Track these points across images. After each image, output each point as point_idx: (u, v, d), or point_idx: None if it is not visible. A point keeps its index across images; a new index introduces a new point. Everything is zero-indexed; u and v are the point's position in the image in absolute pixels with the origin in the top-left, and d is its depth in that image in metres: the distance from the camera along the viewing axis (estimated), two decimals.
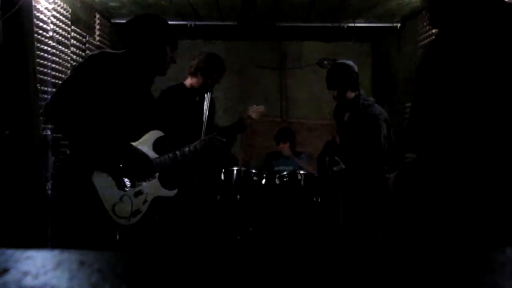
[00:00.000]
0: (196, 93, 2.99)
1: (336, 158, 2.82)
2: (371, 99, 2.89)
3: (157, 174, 2.09)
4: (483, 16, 1.26)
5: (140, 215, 1.98)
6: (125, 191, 1.93)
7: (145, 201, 2.02)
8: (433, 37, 1.50)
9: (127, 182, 1.95)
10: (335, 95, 2.88)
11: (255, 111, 2.89)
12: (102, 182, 1.85)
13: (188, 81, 3.02)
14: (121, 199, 1.90)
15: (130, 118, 1.98)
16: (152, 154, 2.07)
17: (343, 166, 2.78)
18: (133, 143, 1.99)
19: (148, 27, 2.01)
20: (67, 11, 3.31)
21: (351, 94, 2.84)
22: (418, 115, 1.27)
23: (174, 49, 2.09)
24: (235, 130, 2.94)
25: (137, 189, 1.97)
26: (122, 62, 1.94)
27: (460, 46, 1.22)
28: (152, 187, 2.05)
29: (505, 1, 1.33)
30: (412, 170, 1.33)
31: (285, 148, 4.29)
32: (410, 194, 1.31)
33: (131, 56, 1.98)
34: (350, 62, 2.91)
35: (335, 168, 2.83)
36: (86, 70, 1.85)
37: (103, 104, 1.85)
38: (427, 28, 3.64)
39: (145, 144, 2.06)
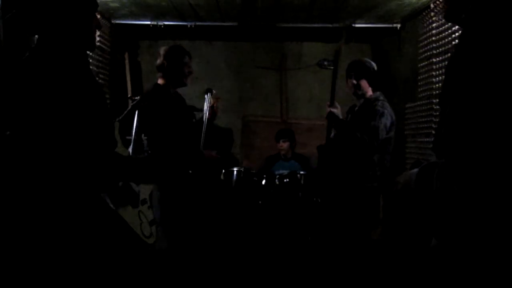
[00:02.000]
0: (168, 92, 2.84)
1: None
2: (384, 98, 2.96)
3: None
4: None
5: (155, 224, 1.82)
6: (138, 206, 1.75)
7: (149, 206, 1.88)
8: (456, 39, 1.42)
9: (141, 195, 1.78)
10: (351, 83, 2.97)
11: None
12: (121, 208, 1.60)
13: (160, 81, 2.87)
14: (140, 217, 1.71)
15: (99, 117, 1.62)
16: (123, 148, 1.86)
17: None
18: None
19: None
20: None
21: (365, 85, 2.92)
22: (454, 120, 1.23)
23: (94, 14, 1.67)
24: None
25: (141, 197, 1.80)
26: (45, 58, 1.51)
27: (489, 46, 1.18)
28: (144, 187, 1.88)
29: None
30: (438, 169, 1.27)
31: (284, 146, 4.31)
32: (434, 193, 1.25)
33: (52, 43, 1.54)
34: (369, 60, 3.07)
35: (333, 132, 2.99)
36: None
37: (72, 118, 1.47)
38: (427, 28, 3.65)
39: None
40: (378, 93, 2.98)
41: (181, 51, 2.85)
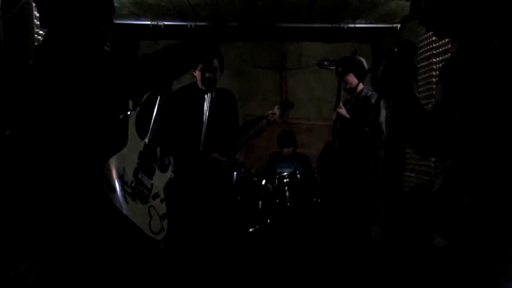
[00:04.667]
0: (200, 90, 2.89)
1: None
2: (372, 91, 3.12)
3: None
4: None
5: (166, 219, 1.79)
6: (148, 202, 1.71)
7: (162, 199, 1.83)
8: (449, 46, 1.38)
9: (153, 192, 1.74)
10: (338, 73, 3.13)
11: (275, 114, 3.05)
12: (126, 205, 1.54)
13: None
14: (150, 213, 1.67)
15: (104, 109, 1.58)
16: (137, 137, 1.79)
17: None
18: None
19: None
20: None
21: (353, 79, 3.06)
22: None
23: (109, 20, 1.68)
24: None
25: (153, 192, 1.76)
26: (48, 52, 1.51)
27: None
28: (158, 180, 1.85)
29: None
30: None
31: (289, 152, 4.35)
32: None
33: (55, 40, 1.55)
34: (355, 56, 3.21)
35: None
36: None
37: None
38: None
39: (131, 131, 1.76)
40: (365, 87, 3.14)
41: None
